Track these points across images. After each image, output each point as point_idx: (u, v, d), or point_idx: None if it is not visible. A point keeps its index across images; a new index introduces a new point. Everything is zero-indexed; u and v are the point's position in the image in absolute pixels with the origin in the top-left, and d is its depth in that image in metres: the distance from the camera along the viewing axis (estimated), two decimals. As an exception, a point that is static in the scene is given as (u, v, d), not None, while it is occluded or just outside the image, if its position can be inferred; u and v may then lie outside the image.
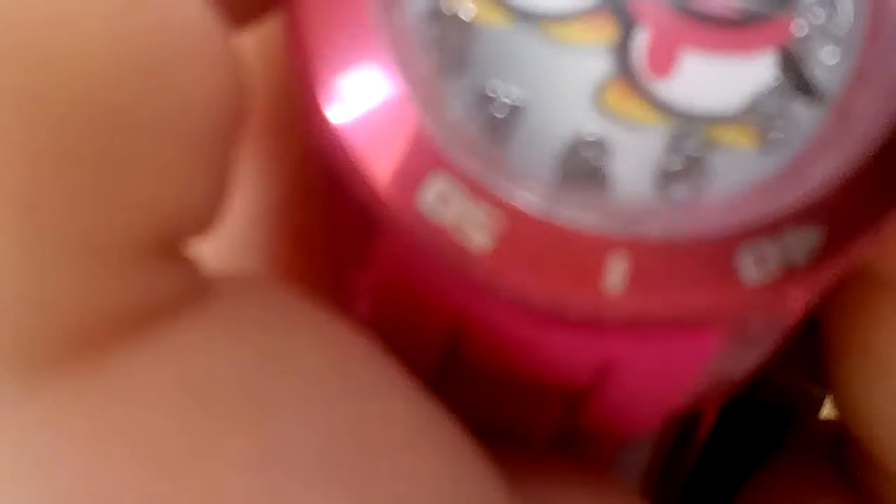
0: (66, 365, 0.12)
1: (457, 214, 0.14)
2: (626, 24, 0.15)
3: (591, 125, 0.15)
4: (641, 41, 0.15)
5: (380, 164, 0.14)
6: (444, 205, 0.14)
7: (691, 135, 0.15)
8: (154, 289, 0.13)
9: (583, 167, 0.15)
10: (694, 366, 0.15)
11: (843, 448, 0.20)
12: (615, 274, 0.14)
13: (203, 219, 0.14)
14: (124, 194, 0.12)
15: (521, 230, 0.14)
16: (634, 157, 0.15)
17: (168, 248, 0.13)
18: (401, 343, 0.15)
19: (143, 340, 0.12)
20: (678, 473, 0.22)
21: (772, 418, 0.23)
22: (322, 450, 0.13)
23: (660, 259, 0.14)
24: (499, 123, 0.15)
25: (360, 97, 0.14)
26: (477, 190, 0.14)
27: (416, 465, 0.13)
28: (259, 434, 0.12)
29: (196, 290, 0.13)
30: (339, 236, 0.16)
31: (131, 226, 0.12)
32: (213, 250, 0.15)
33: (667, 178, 0.15)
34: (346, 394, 0.13)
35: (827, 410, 0.23)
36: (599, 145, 0.15)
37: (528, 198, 0.14)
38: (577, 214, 0.14)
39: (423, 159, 0.14)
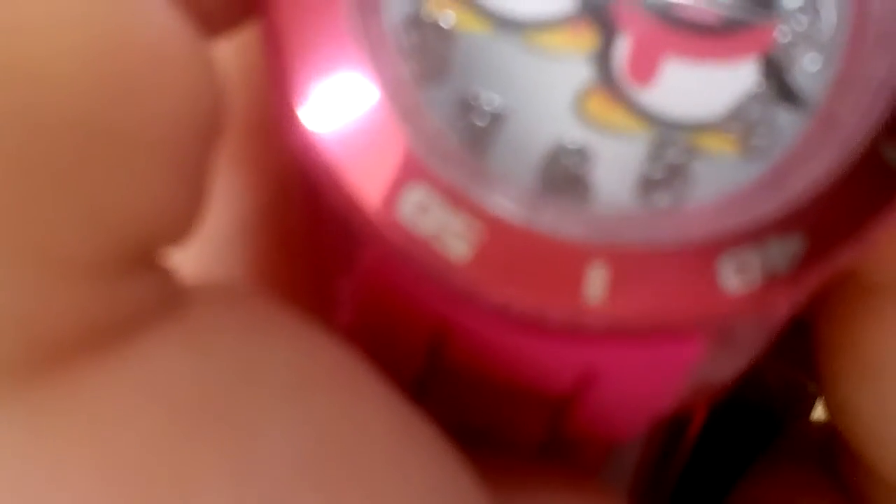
0: (31, 382, 0.12)
1: (436, 224, 0.14)
2: (608, 32, 0.15)
3: (572, 133, 0.15)
4: (623, 48, 0.15)
5: (358, 173, 0.14)
6: (423, 214, 0.14)
7: (673, 142, 0.15)
8: (126, 301, 0.13)
9: (564, 175, 0.15)
10: (677, 373, 0.15)
11: (834, 450, 0.20)
12: (595, 283, 0.14)
13: (179, 229, 0.14)
14: (95, 205, 0.12)
15: (500, 240, 0.14)
16: (616, 165, 0.15)
17: (142, 258, 0.13)
18: (383, 350, 0.15)
19: (112, 357, 0.12)
20: (667, 477, 0.22)
21: (765, 417, 0.23)
22: (300, 467, 0.13)
23: (641, 268, 0.14)
24: (479, 132, 0.15)
25: (338, 106, 0.14)
26: (456, 199, 0.14)
27: (397, 480, 0.13)
28: (234, 452, 0.12)
29: (171, 300, 0.13)
30: (321, 244, 0.16)
31: (103, 237, 0.12)
32: (194, 258, 0.15)
33: (648, 185, 0.15)
34: (324, 407, 0.13)
35: (818, 411, 0.23)
36: (580, 153, 0.15)
37: (508, 207, 0.14)
38: (557, 223, 0.14)
39: (402, 169, 0.14)
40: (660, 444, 0.21)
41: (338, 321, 0.16)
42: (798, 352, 0.19)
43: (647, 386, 0.15)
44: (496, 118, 0.15)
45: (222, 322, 0.13)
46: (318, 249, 0.17)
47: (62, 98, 0.12)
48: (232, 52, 0.17)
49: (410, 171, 0.14)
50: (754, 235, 0.14)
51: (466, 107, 0.15)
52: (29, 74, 0.12)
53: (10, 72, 0.12)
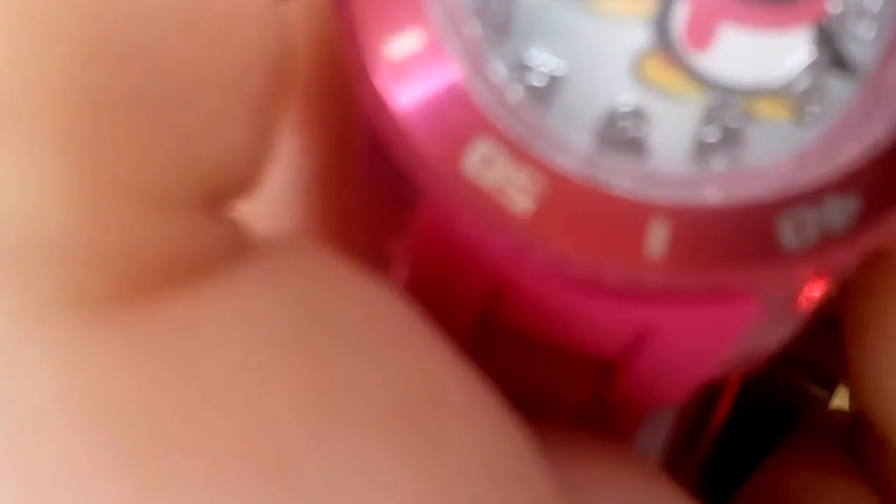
0: (116, 307, 0.12)
1: (500, 177, 0.14)
2: None
3: (629, 96, 0.15)
4: (681, 14, 0.15)
5: (425, 128, 0.14)
6: (488, 168, 0.14)
7: (728, 107, 0.15)
8: (202, 240, 0.13)
9: (621, 137, 0.15)
10: (730, 335, 0.15)
11: (857, 433, 0.20)
12: (656, 239, 0.14)
13: (246, 177, 0.14)
14: (174, 141, 0.12)
15: (563, 194, 0.14)
16: (672, 128, 0.15)
17: (213, 204, 0.13)
18: (436, 310, 0.15)
19: (194, 288, 0.13)
20: (698, 448, 0.22)
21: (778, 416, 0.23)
22: (374, 403, 0.13)
23: (700, 225, 0.14)
24: (538, 93, 0.15)
25: (406, 63, 0.14)
26: (520, 154, 0.14)
27: (466, 433, 0.13)
28: (314, 380, 0.12)
29: (240, 248, 0.13)
30: (377, 203, 0.17)
31: (181, 171, 0.13)
32: (253, 215, 0.15)
33: (704, 149, 0.15)
34: (391, 352, 0.13)
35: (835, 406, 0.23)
36: (637, 115, 0.15)
37: (571, 162, 0.14)
38: (618, 180, 0.14)
39: (468, 123, 0.14)
40: (692, 415, 0.21)
41: (392, 280, 0.16)
42: (806, 356, 0.19)
43: (699, 348, 0.15)
44: (554, 80, 0.15)
45: (291, 269, 0.14)
46: (374, 208, 0.17)
47: (148, 36, 0.12)
48: (297, 10, 0.17)
49: (476, 126, 0.14)
50: (811, 195, 0.14)
51: (525, 68, 0.15)
52: (117, 11, 0.12)
53: (100, 9, 0.12)
